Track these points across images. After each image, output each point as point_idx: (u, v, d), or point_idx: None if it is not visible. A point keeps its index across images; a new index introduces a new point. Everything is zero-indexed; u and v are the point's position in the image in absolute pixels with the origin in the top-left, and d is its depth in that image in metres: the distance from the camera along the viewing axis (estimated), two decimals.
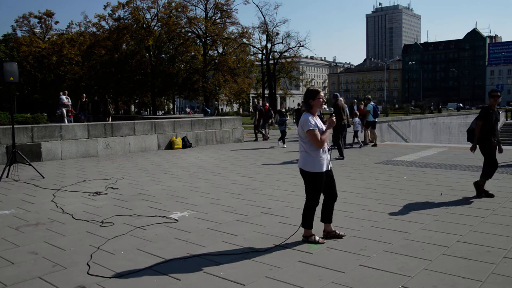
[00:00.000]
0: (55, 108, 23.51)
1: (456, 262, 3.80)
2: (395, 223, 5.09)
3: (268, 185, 7.65)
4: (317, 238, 4.43)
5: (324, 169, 4.32)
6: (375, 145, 14.35)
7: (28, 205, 6.32)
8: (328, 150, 4.40)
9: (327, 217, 4.57)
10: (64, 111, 20.21)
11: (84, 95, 22.36)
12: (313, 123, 4.26)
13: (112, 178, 8.59)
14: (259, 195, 6.81)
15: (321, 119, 4.44)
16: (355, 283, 3.41)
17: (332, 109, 4.53)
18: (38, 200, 6.65)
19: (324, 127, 4.36)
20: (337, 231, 4.58)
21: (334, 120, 4.34)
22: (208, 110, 32.52)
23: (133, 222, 5.30)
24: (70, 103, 20.95)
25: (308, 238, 4.44)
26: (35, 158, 11.07)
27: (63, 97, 20.62)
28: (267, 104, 21.56)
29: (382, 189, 7.14)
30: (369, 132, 14.85)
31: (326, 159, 4.34)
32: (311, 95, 4.36)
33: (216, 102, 41.02)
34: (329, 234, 4.55)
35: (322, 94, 4.41)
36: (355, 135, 14.91)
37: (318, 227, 4.83)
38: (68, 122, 19.02)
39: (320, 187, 4.37)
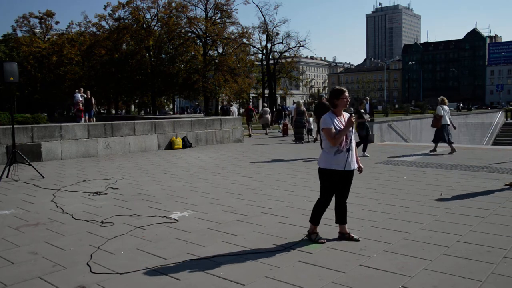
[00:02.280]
0: (55, 108, 22.65)
1: (456, 262, 3.80)
2: (395, 223, 5.08)
3: (268, 185, 7.65)
4: (318, 237, 4.42)
5: (338, 168, 4.28)
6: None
7: (28, 205, 6.32)
8: (348, 150, 4.32)
9: (339, 218, 4.53)
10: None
11: (89, 92, 20.65)
12: (330, 121, 4.28)
13: (112, 178, 8.59)
14: (259, 195, 6.80)
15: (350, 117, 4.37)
16: (355, 283, 3.41)
17: (352, 109, 4.51)
18: (38, 200, 6.65)
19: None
20: (352, 234, 4.50)
21: (353, 120, 4.31)
22: (197, 110, 32.98)
23: (133, 222, 5.30)
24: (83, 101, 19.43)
25: (310, 235, 4.46)
26: (35, 158, 11.07)
27: (78, 94, 19.32)
28: (251, 105, 23.93)
29: (382, 189, 7.14)
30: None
31: (342, 158, 4.28)
32: (336, 94, 4.37)
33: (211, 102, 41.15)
34: (343, 236, 4.50)
35: (347, 94, 4.40)
36: (309, 132, 17.88)
37: (318, 227, 4.83)
38: (80, 122, 17.91)
39: (329, 185, 4.36)
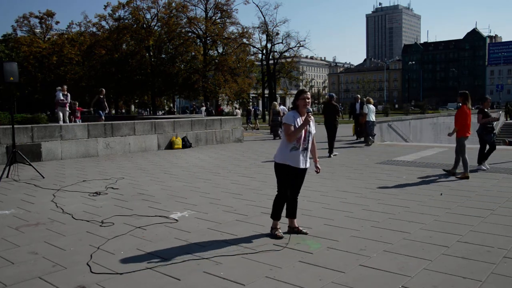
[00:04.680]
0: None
1: (456, 262, 3.80)
2: (395, 223, 5.08)
3: (268, 185, 7.64)
4: (278, 232, 4.58)
5: (292, 164, 4.45)
6: None
7: (28, 205, 6.32)
8: (305, 149, 4.48)
9: (290, 212, 4.73)
10: (60, 113, 16.49)
11: (103, 90, 18.63)
12: (292, 119, 4.43)
13: (112, 178, 8.59)
14: (259, 195, 6.80)
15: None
16: (355, 283, 3.41)
17: (310, 108, 4.57)
18: (38, 200, 6.65)
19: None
20: (301, 228, 4.71)
21: (309, 119, 4.40)
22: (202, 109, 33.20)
23: (133, 222, 5.30)
24: (68, 101, 16.98)
25: (271, 230, 4.65)
26: (35, 158, 11.07)
27: (59, 93, 16.71)
28: (221, 106, 26.11)
29: (382, 189, 7.14)
30: None
31: (297, 156, 4.45)
32: (296, 95, 4.57)
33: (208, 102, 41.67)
34: (293, 230, 4.72)
35: (306, 95, 4.51)
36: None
37: (318, 227, 4.84)
38: (73, 122, 16.49)
39: (284, 179, 4.54)
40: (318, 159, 4.80)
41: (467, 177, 7.92)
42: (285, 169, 4.48)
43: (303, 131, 4.41)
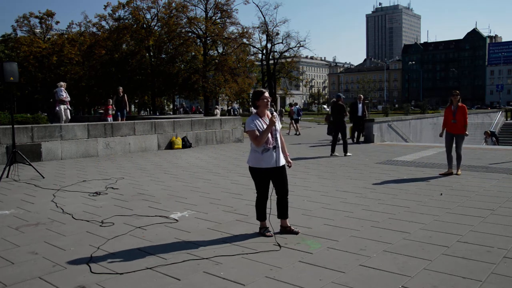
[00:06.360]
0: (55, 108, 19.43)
1: (456, 262, 3.80)
2: (395, 223, 5.08)
3: None
4: (266, 231, 4.64)
5: (267, 165, 4.47)
6: (299, 133, 22.19)
7: (28, 205, 6.32)
8: (275, 147, 4.49)
9: (280, 213, 4.75)
10: (63, 109, 15.53)
11: (121, 88, 18.29)
12: (253, 123, 4.45)
13: (112, 178, 8.59)
14: None
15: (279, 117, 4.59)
16: (355, 283, 3.41)
17: (272, 109, 4.60)
18: (38, 200, 6.65)
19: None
20: (293, 228, 4.74)
21: (274, 120, 4.40)
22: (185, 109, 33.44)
23: (133, 222, 5.30)
24: (69, 98, 16.22)
25: (260, 229, 4.72)
26: (35, 158, 11.07)
27: (61, 89, 15.70)
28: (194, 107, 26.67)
29: (382, 189, 7.14)
30: (296, 125, 22.63)
31: (270, 156, 4.46)
32: (256, 96, 4.55)
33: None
34: (285, 230, 4.73)
35: (266, 94, 4.53)
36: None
37: (318, 227, 4.82)
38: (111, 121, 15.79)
39: (260, 182, 4.58)
40: (288, 154, 4.78)
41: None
42: (260, 172, 4.52)
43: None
